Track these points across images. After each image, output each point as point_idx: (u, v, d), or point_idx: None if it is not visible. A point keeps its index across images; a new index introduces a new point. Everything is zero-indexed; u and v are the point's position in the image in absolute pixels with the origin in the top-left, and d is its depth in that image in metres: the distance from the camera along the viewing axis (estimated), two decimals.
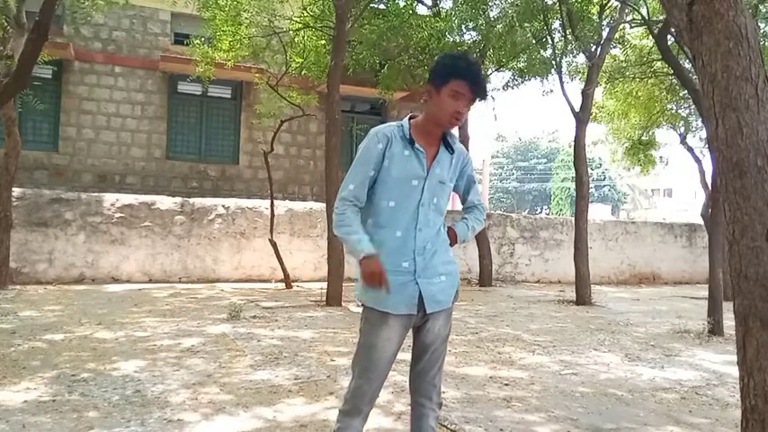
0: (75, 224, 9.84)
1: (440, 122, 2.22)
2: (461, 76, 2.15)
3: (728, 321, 4.96)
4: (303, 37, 10.96)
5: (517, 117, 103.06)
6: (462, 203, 2.48)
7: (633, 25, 11.49)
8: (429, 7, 12.08)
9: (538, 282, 13.30)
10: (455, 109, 2.17)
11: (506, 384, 4.31)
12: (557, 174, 55.54)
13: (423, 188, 2.20)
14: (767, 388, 2.03)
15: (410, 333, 2.30)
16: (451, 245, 2.34)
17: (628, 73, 11.74)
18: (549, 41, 10.60)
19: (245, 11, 10.10)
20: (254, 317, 6.85)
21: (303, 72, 11.23)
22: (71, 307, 7.15)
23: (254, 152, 13.69)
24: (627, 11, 10.28)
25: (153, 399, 3.64)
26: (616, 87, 12.79)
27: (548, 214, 45.18)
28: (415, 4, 11.28)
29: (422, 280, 2.17)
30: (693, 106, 11.61)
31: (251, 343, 5.41)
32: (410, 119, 2.30)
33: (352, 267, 10.45)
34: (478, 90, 2.20)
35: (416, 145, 2.22)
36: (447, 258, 2.28)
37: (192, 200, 10.82)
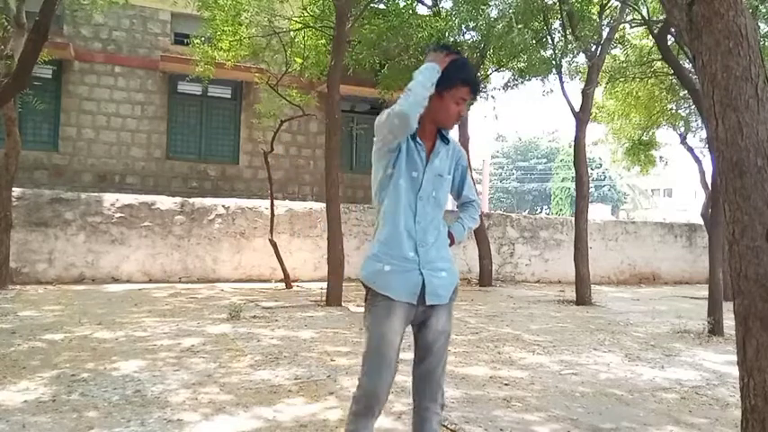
0: (75, 224, 9.84)
1: (444, 125, 2.30)
2: (466, 83, 2.24)
3: (728, 321, 4.96)
4: (303, 37, 10.97)
5: (517, 117, 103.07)
6: (457, 198, 2.49)
7: (633, 25, 11.49)
8: (429, 7, 12.08)
9: (538, 282, 13.30)
10: (458, 112, 2.27)
11: (506, 384, 4.31)
12: (557, 174, 55.56)
13: (422, 181, 2.23)
14: (767, 388, 2.03)
15: (409, 335, 2.30)
16: (449, 245, 2.35)
17: (628, 73, 11.74)
18: (549, 41, 10.60)
19: (245, 11, 10.10)
20: (254, 317, 6.85)
21: (303, 72, 11.23)
22: (71, 307, 7.15)
23: (254, 152, 13.68)
24: (627, 11, 10.27)
25: (153, 399, 3.63)
26: (616, 87, 12.78)
27: (548, 214, 45.20)
28: (415, 4, 11.28)
29: (426, 271, 2.19)
30: (693, 106, 11.61)
31: (251, 343, 5.41)
32: None
33: (351, 267, 10.50)
34: (477, 92, 2.32)
35: (417, 138, 2.26)
36: (447, 255, 2.30)
37: (191, 200, 10.82)
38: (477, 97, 2.61)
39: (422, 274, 2.18)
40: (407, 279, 2.17)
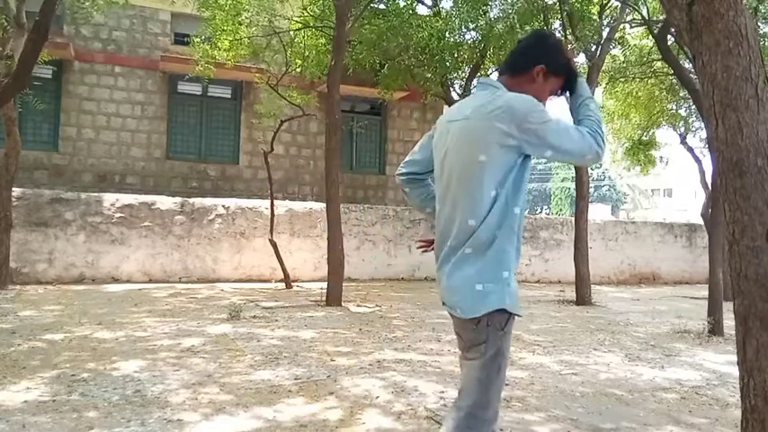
0: (75, 224, 9.84)
1: None
2: (571, 76, 2.09)
3: (728, 321, 4.96)
4: (303, 37, 10.96)
5: None
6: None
7: (633, 25, 11.50)
8: (429, 7, 12.08)
9: (538, 282, 13.30)
10: (545, 101, 2.06)
11: (506, 384, 4.30)
12: (557, 174, 55.57)
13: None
14: (767, 388, 2.03)
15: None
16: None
17: (628, 73, 11.75)
18: None
19: (245, 11, 10.10)
20: (255, 317, 6.85)
21: (303, 72, 11.23)
22: (71, 307, 7.15)
23: (254, 152, 13.68)
24: (627, 11, 10.28)
25: (153, 399, 3.63)
26: (616, 87, 12.79)
27: (548, 214, 45.19)
28: (415, 4, 11.28)
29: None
30: (693, 106, 11.62)
31: (251, 343, 5.41)
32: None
33: (351, 267, 10.51)
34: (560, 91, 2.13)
35: None
36: None
37: (191, 200, 10.82)
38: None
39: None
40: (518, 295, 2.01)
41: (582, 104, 2.07)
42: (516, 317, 1.95)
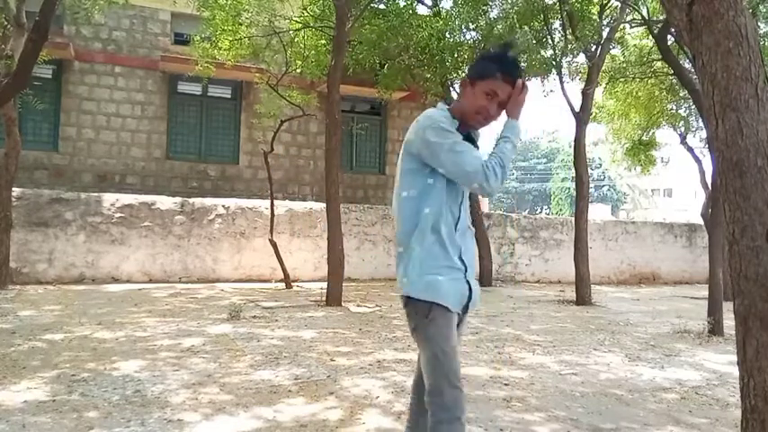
0: (75, 224, 9.84)
1: (466, 119, 2.15)
2: (508, 76, 2.10)
3: (728, 321, 4.96)
4: (303, 37, 10.96)
5: None
6: None
7: (633, 25, 11.50)
8: (429, 7, 12.08)
9: (538, 282, 13.30)
10: (485, 108, 2.12)
11: (506, 384, 4.31)
12: (557, 174, 55.62)
13: (462, 188, 2.16)
14: (767, 388, 2.03)
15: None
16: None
17: (628, 73, 11.75)
18: (550, 41, 10.60)
19: (245, 11, 10.10)
20: (255, 317, 6.85)
21: (303, 72, 11.23)
22: (71, 307, 7.15)
23: (254, 152, 13.68)
24: (627, 11, 10.28)
25: (153, 399, 3.63)
26: (616, 87, 12.79)
27: (548, 214, 45.20)
28: (415, 4, 11.28)
29: (470, 279, 2.15)
30: (693, 106, 11.62)
31: (251, 343, 5.41)
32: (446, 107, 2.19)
33: (351, 267, 10.50)
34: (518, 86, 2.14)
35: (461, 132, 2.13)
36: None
37: (191, 200, 10.82)
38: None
39: (468, 282, 2.13)
40: (459, 289, 2.11)
41: (498, 140, 2.15)
42: (449, 309, 2.07)
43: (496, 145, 2.12)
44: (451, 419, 2.01)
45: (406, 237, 2.10)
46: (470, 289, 2.14)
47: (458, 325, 2.16)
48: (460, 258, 2.12)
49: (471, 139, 2.19)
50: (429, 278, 2.06)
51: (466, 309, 2.17)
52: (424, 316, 2.06)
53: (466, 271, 2.14)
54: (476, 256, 10.86)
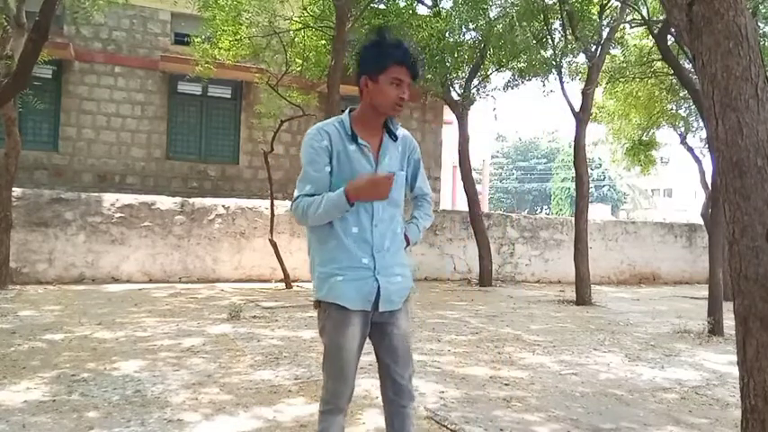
0: (75, 224, 9.84)
1: (386, 111, 2.19)
2: (401, 62, 2.11)
3: (728, 321, 4.96)
4: (303, 37, 10.97)
5: (517, 117, 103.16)
6: (410, 191, 2.44)
7: (633, 25, 11.50)
8: (429, 7, 12.08)
9: (538, 282, 13.30)
10: (397, 95, 2.14)
11: (506, 384, 4.31)
12: (557, 174, 55.62)
13: None
14: (767, 388, 2.03)
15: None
16: (405, 248, 2.31)
17: (628, 73, 11.74)
18: (550, 41, 10.60)
19: (245, 11, 10.10)
20: (255, 317, 6.85)
21: (303, 72, 11.23)
22: (71, 307, 7.15)
23: (254, 152, 13.69)
24: (627, 11, 10.27)
25: (153, 399, 3.64)
26: (616, 87, 12.79)
27: (548, 214, 45.21)
28: (415, 4, 11.29)
29: (381, 278, 2.13)
30: (693, 106, 11.62)
31: (251, 343, 5.41)
32: (350, 112, 2.24)
33: None
34: (416, 71, 2.17)
35: (360, 140, 2.18)
36: (403, 260, 2.25)
37: (191, 200, 10.82)
38: (419, 80, 2.39)
39: (377, 280, 2.13)
40: (361, 288, 2.11)
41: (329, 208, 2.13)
42: (337, 305, 2.12)
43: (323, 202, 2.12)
44: (327, 411, 2.19)
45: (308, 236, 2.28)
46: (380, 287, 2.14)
47: (389, 323, 2.19)
48: (372, 256, 2.13)
49: (389, 129, 2.27)
50: (333, 280, 2.13)
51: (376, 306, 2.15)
52: (319, 312, 2.20)
53: (375, 269, 2.14)
54: (475, 255, 10.80)
